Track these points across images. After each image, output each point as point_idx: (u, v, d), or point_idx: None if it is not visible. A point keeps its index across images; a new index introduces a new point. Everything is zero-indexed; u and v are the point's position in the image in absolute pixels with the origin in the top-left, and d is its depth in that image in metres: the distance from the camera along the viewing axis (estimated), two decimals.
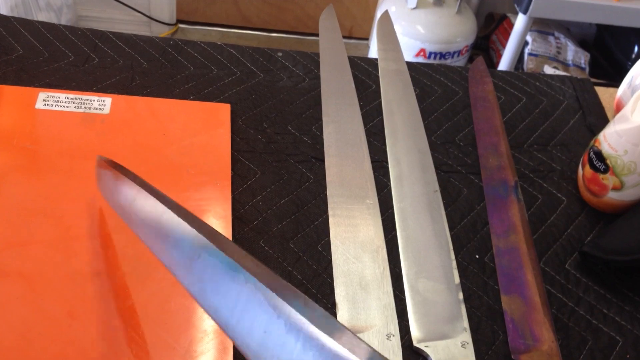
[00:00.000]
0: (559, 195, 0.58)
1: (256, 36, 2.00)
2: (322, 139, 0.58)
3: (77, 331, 0.40)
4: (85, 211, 0.47)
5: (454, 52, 1.71)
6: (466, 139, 0.62)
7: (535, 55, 1.83)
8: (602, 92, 0.71)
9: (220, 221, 0.49)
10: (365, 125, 0.61)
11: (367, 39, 2.05)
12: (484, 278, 0.50)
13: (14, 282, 0.42)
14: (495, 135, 0.62)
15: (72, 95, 0.56)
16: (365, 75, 0.67)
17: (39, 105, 0.54)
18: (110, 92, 0.58)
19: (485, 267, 0.50)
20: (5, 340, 0.39)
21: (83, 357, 0.39)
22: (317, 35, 0.69)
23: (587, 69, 1.83)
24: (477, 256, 0.51)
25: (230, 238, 0.48)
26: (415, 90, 0.66)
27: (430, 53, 1.68)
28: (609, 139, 0.53)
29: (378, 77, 0.66)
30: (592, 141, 0.56)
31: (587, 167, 0.56)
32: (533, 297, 0.48)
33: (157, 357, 0.40)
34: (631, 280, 0.50)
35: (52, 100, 0.55)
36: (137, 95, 0.58)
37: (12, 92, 0.55)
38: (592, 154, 0.55)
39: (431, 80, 0.68)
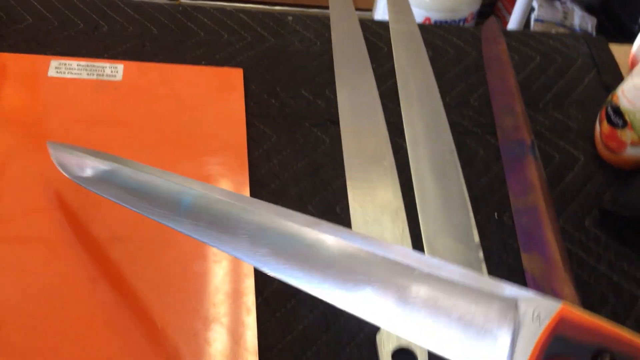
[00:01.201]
0: (575, 153, 0.57)
1: (260, 10, 1.98)
2: (336, 102, 0.58)
3: (100, 295, 0.41)
4: None
5: (459, 20, 1.69)
6: (480, 100, 0.61)
7: (542, 21, 1.81)
8: (615, 49, 0.70)
9: (238, 185, 0.49)
10: (378, 87, 0.60)
11: (370, 9, 2.03)
12: (504, 237, 0.50)
13: (36, 248, 0.42)
14: (510, 95, 0.61)
15: (83, 62, 0.55)
16: (376, 38, 0.66)
17: (52, 73, 0.54)
18: (121, 59, 0.57)
19: (504, 227, 0.50)
20: (30, 305, 0.39)
21: (106, 321, 0.39)
22: (320, 7, 0.68)
23: (594, 34, 1.81)
24: (495, 215, 0.51)
25: None
26: (427, 52, 0.65)
27: (436, 21, 1.66)
28: (627, 94, 0.52)
29: (389, 39, 0.66)
30: (610, 96, 0.55)
31: (605, 123, 0.55)
32: (553, 255, 0.48)
33: (181, 320, 0.40)
34: None
35: (64, 68, 0.54)
36: (149, 61, 0.58)
37: (24, 61, 0.54)
38: (609, 109, 0.54)
39: (443, 41, 0.67)
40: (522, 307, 0.25)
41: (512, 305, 0.25)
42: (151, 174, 0.37)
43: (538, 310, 0.25)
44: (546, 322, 0.24)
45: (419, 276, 0.27)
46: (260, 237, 0.33)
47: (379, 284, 0.29)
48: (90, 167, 0.41)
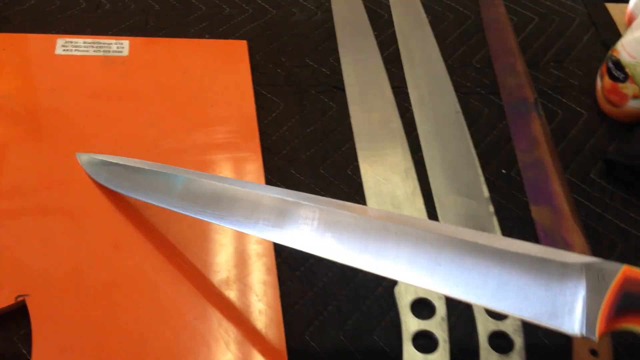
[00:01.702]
0: (578, 109, 0.58)
1: None
2: (341, 69, 0.59)
3: (124, 260, 0.42)
4: (120, 149, 0.48)
5: None
6: (482, 61, 0.62)
7: None
8: (611, 8, 0.70)
9: (250, 153, 0.50)
10: (381, 53, 0.61)
11: None
12: (512, 191, 0.51)
13: (58, 218, 0.43)
14: (511, 55, 0.62)
15: (89, 39, 0.56)
16: (376, 5, 0.66)
17: (59, 51, 0.54)
18: (126, 36, 0.58)
19: (512, 181, 0.51)
20: (57, 272, 0.40)
21: (131, 284, 0.40)
22: None
23: None
24: (503, 171, 0.52)
25: (262, 168, 0.49)
26: (427, 17, 0.66)
27: None
28: (628, 47, 0.53)
29: (389, 6, 0.66)
30: (610, 51, 0.56)
31: (606, 77, 0.56)
32: (561, 206, 0.49)
33: (205, 280, 0.41)
34: None
35: (70, 46, 0.55)
36: (153, 37, 0.58)
37: (30, 40, 0.55)
38: (610, 64, 0.55)
39: (442, 6, 0.68)
40: (588, 270, 0.28)
41: (579, 269, 0.28)
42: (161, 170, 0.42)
43: (602, 272, 0.27)
44: (612, 281, 0.27)
45: (493, 252, 0.30)
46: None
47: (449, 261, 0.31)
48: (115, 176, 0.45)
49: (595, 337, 0.27)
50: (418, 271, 0.31)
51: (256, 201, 0.36)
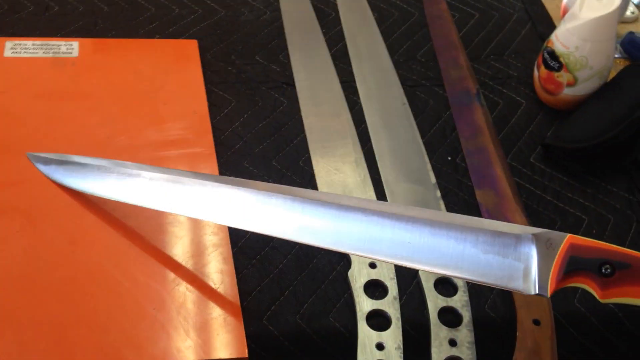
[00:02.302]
0: (517, 98, 0.61)
1: None
2: (290, 66, 0.60)
3: (81, 255, 0.42)
4: (73, 148, 0.48)
5: None
6: (427, 55, 0.64)
7: None
8: (547, 3, 0.74)
9: (204, 148, 0.51)
10: (329, 50, 0.63)
11: None
12: (458, 177, 0.53)
13: (12, 218, 0.43)
14: (454, 49, 0.65)
15: (38, 41, 0.56)
16: (323, 4, 0.68)
17: (7, 53, 0.54)
18: (75, 37, 0.58)
19: (457, 167, 0.54)
20: (12, 269, 0.40)
21: (89, 278, 0.41)
22: None
23: None
24: (449, 158, 0.54)
25: (215, 162, 0.50)
26: (373, 14, 0.68)
27: None
28: (561, 38, 0.56)
29: (336, 4, 0.68)
30: (545, 43, 0.59)
31: (542, 67, 0.59)
32: (504, 189, 0.52)
33: (162, 271, 0.42)
34: (590, 165, 0.54)
35: (19, 48, 0.55)
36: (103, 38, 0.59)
37: None
38: (545, 54, 0.58)
39: (387, 3, 0.70)
40: (538, 239, 0.32)
41: (530, 238, 0.32)
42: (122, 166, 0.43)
43: (550, 241, 0.32)
44: (559, 248, 0.32)
45: (454, 228, 0.34)
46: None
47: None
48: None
49: (548, 295, 0.31)
50: (387, 249, 0.34)
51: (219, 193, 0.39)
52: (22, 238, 0.42)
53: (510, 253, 0.32)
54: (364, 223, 0.35)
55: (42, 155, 0.46)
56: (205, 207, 0.39)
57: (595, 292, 0.31)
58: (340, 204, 0.35)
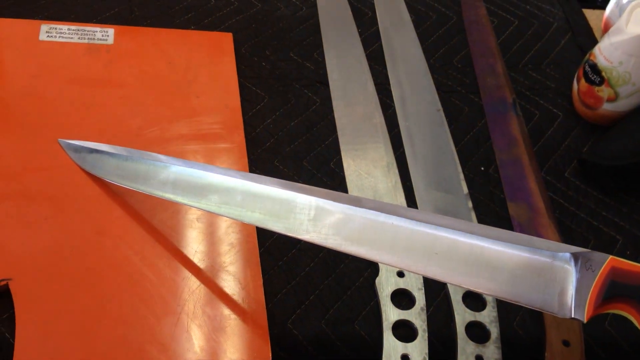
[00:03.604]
0: (554, 110, 0.60)
1: None
2: (325, 64, 0.59)
3: (107, 246, 0.42)
4: (104, 137, 0.48)
5: None
6: (463, 61, 0.63)
7: None
8: (588, 14, 0.72)
9: (234, 144, 0.50)
10: (364, 50, 0.62)
11: None
12: (490, 188, 0.52)
13: (41, 204, 0.43)
14: (491, 56, 0.64)
15: (74, 26, 0.55)
16: (360, 3, 0.67)
17: (43, 37, 0.54)
18: (110, 24, 0.58)
19: (490, 178, 0.53)
20: (40, 257, 0.40)
21: (114, 270, 0.41)
22: None
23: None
24: (482, 168, 0.53)
25: (246, 158, 0.49)
26: (410, 16, 0.67)
27: None
28: (604, 52, 0.55)
29: (373, 4, 0.67)
30: (587, 55, 0.58)
31: (583, 81, 0.58)
32: (537, 203, 0.51)
33: (189, 267, 0.42)
34: (627, 183, 0.53)
35: (55, 32, 0.54)
36: (139, 26, 0.58)
37: (14, 25, 0.54)
38: (587, 67, 0.57)
39: (425, 6, 0.69)
40: (577, 259, 0.30)
41: (568, 258, 0.30)
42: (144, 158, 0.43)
43: (590, 262, 0.30)
44: (599, 270, 0.30)
45: (488, 241, 0.32)
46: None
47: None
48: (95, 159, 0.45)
49: (584, 320, 0.29)
50: (415, 259, 0.32)
51: (252, 191, 0.37)
52: (50, 225, 0.42)
53: (547, 272, 0.31)
54: (392, 229, 0.33)
55: (74, 142, 0.46)
56: (234, 205, 0.37)
57: (636, 322, 0.29)
58: (361, 205, 0.34)
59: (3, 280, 0.38)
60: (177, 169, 0.40)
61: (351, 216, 0.34)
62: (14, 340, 0.37)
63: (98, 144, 0.45)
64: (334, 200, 0.35)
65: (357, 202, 0.34)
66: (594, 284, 0.30)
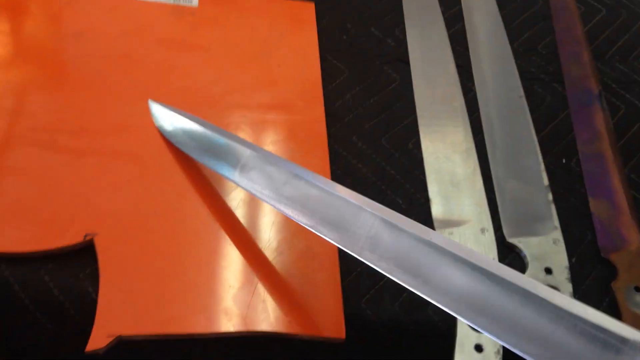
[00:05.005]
0: None
1: None
2: (405, 42, 0.58)
3: (188, 212, 0.42)
4: (186, 101, 0.48)
5: None
6: (548, 48, 0.61)
7: None
8: None
9: (314, 117, 0.49)
10: (447, 30, 0.60)
11: None
12: (571, 182, 0.50)
13: (125, 163, 0.43)
14: (577, 44, 0.61)
15: None
16: None
17: None
18: None
19: (571, 172, 0.51)
20: (125, 215, 0.41)
21: (194, 236, 0.41)
22: None
23: None
24: (563, 160, 0.52)
25: (325, 132, 0.49)
26: None
27: None
28: None
29: None
30: None
31: None
32: (620, 201, 0.49)
33: (267, 239, 0.42)
34: None
35: None
36: None
37: None
38: None
39: None
40: None
41: (638, 347, 0.25)
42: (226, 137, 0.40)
43: None
44: None
45: (551, 308, 0.27)
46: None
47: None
48: (180, 127, 0.44)
49: None
50: (470, 308, 0.29)
51: (325, 201, 0.34)
52: (134, 184, 0.42)
53: (610, 358, 0.26)
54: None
55: (162, 106, 0.46)
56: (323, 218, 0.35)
57: None
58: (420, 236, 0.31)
59: (88, 234, 0.39)
60: (263, 169, 0.38)
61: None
62: (96, 295, 0.37)
63: (185, 113, 0.44)
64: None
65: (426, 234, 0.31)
66: None
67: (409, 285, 0.31)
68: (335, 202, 0.34)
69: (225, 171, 0.40)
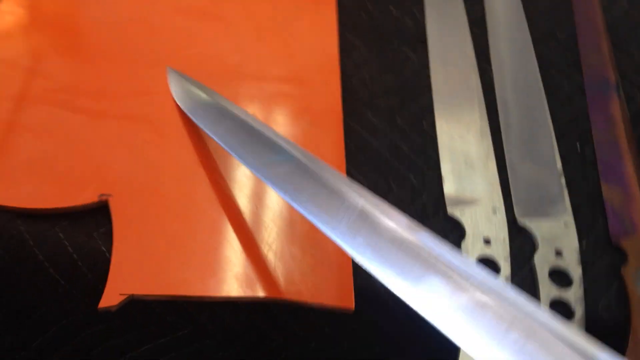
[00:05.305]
0: None
1: None
2: (424, 22, 0.58)
3: (202, 178, 0.42)
4: (203, 70, 0.48)
5: None
6: (567, 35, 0.61)
7: None
8: None
9: (330, 91, 0.49)
10: (466, 12, 0.60)
11: None
12: (584, 168, 0.50)
13: (142, 126, 0.44)
14: (597, 33, 0.61)
15: None
16: None
17: None
18: None
19: (585, 158, 0.51)
20: (140, 178, 0.41)
21: (208, 202, 0.41)
22: None
23: None
24: (577, 146, 0.52)
25: (340, 107, 0.49)
26: None
27: None
28: None
29: None
30: None
31: None
32: (632, 188, 0.49)
33: (279, 208, 0.42)
34: None
35: None
36: None
37: None
38: None
39: None
40: None
41: None
42: (249, 122, 0.38)
43: None
44: None
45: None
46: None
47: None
48: (199, 101, 0.42)
49: None
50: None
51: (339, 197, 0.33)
52: (149, 148, 0.43)
53: None
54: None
55: (180, 75, 0.46)
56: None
57: None
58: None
59: (104, 195, 0.39)
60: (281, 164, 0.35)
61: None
62: (109, 254, 0.38)
63: (204, 86, 0.43)
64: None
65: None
66: None
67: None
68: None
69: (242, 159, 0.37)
